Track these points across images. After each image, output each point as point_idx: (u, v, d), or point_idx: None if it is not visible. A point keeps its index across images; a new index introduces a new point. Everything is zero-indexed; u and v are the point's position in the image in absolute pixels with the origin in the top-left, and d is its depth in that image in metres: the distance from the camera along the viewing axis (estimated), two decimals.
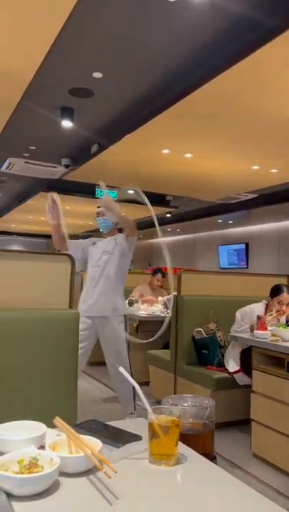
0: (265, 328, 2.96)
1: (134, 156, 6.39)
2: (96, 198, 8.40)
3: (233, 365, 3.37)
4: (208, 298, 3.78)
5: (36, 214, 11.88)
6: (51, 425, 1.07)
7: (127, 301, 4.19)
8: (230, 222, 11.71)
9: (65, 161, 7.21)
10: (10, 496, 0.83)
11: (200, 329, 3.58)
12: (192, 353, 3.66)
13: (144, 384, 4.26)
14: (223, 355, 3.51)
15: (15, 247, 17.48)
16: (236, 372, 3.33)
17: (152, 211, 3.24)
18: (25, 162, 7.23)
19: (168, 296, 5.27)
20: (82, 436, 1.01)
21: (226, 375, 3.35)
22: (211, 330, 3.56)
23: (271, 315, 3.19)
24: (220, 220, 11.74)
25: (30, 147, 6.67)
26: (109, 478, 0.88)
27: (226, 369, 3.40)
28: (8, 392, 1.60)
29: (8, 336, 1.63)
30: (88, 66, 4.19)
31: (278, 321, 3.18)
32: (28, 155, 7.02)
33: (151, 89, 4.65)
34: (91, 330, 3.21)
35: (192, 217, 11.82)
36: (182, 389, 3.59)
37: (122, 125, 5.57)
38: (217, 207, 10.43)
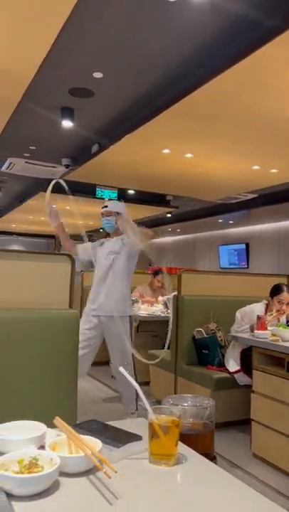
0: (266, 328, 2.96)
1: (135, 156, 6.39)
2: (96, 198, 8.41)
3: (233, 365, 3.37)
4: (209, 298, 3.77)
5: (36, 214, 11.88)
6: (51, 425, 1.07)
7: None
8: (231, 222, 11.71)
9: (65, 161, 7.21)
10: (10, 495, 0.83)
11: (200, 329, 3.58)
12: (192, 353, 3.66)
13: (144, 384, 4.26)
14: (223, 355, 3.51)
15: (15, 247, 17.48)
16: (236, 372, 3.33)
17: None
18: (26, 162, 7.23)
19: (168, 296, 5.27)
20: (82, 436, 1.01)
21: (226, 375, 3.35)
22: (212, 330, 3.56)
23: (271, 315, 3.19)
24: (220, 220, 11.74)
25: (31, 147, 6.67)
26: (109, 478, 0.88)
27: (226, 369, 3.40)
28: (8, 392, 1.60)
29: (8, 336, 1.63)
30: (88, 66, 4.19)
31: (278, 321, 3.18)
32: (28, 155, 7.02)
33: (151, 89, 4.65)
34: (97, 329, 3.23)
35: (192, 217, 11.81)
36: (182, 389, 3.59)
37: (122, 125, 5.56)
38: (217, 207, 10.43)
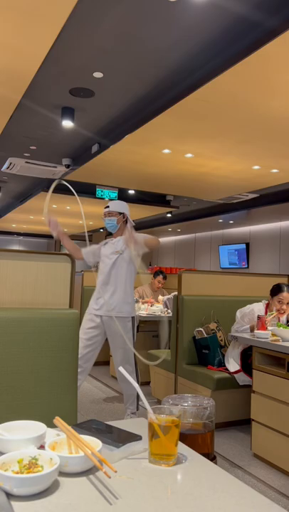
0: (266, 328, 2.96)
1: (135, 156, 6.38)
2: (96, 198, 8.41)
3: (233, 364, 3.37)
4: (209, 298, 3.78)
5: (37, 214, 11.88)
6: (51, 425, 1.07)
7: None
8: (231, 222, 11.70)
9: (65, 160, 7.21)
10: (10, 495, 0.83)
11: (200, 329, 3.58)
12: (193, 352, 3.66)
13: (145, 384, 4.26)
14: (223, 355, 3.51)
15: (15, 247, 17.49)
16: (237, 372, 3.33)
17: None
18: (26, 162, 7.22)
19: (168, 296, 5.27)
20: (82, 436, 1.01)
21: (226, 375, 3.35)
22: (212, 330, 3.56)
23: (271, 315, 3.19)
24: (220, 220, 11.74)
25: (31, 147, 6.67)
26: (109, 478, 0.88)
27: (227, 369, 3.40)
28: (8, 392, 1.60)
29: (8, 336, 1.63)
30: (88, 66, 4.19)
31: (278, 321, 3.18)
32: (28, 155, 7.02)
33: (151, 89, 4.65)
34: (100, 329, 3.23)
35: (193, 217, 11.81)
36: (183, 389, 3.59)
37: (122, 125, 5.56)
38: (217, 207, 10.42)
